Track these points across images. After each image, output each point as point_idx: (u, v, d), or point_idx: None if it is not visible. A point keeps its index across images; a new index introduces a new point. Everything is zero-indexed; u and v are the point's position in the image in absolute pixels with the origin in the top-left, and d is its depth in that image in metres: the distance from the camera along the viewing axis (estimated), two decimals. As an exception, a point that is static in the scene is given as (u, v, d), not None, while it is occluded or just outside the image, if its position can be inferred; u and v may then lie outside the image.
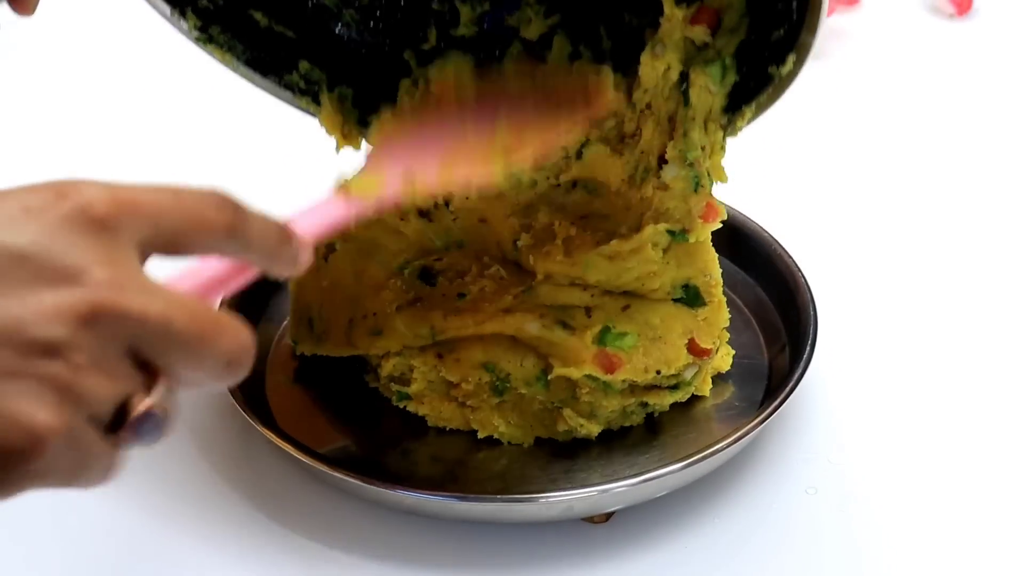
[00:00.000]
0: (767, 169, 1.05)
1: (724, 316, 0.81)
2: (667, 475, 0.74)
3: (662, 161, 0.79)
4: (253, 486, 0.80)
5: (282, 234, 0.57)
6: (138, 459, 0.80)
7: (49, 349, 0.48)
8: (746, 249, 0.89)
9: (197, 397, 0.85)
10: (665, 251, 0.79)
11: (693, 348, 0.79)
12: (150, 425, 0.51)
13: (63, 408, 0.49)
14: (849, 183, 1.04)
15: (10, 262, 0.48)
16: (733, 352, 0.84)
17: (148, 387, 0.52)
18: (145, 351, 0.51)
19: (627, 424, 0.81)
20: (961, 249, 0.97)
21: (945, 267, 0.96)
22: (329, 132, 0.83)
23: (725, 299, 0.81)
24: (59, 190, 0.50)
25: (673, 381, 0.79)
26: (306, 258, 0.58)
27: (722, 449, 0.75)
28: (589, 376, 0.78)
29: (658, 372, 0.78)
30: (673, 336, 0.79)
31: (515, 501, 0.74)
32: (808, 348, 0.80)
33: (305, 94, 0.83)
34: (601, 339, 0.79)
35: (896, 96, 1.14)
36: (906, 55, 1.19)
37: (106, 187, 0.50)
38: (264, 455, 0.81)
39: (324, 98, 0.83)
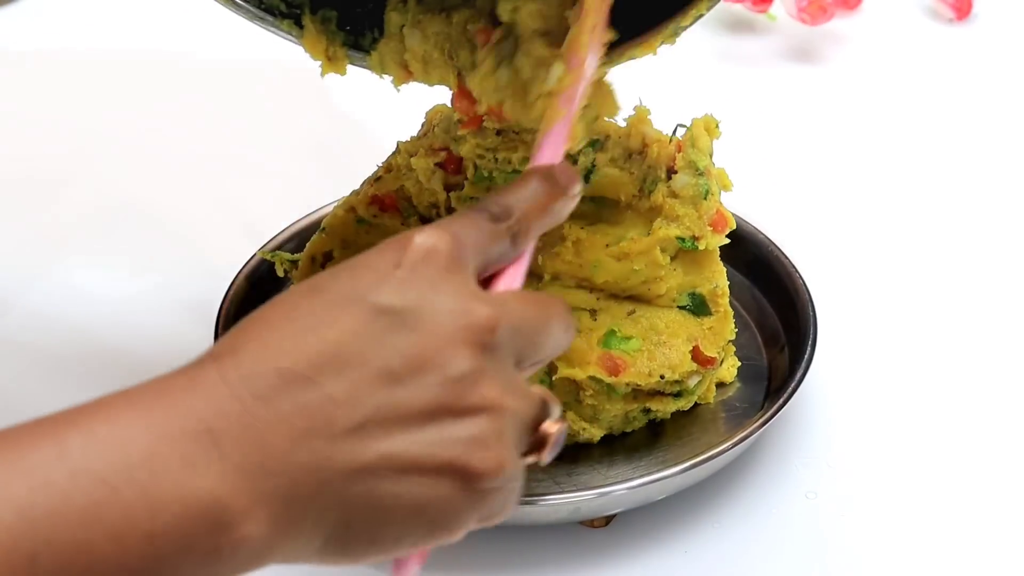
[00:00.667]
0: (766, 172, 1.05)
1: (730, 327, 0.81)
2: (670, 477, 0.74)
3: (671, 172, 0.79)
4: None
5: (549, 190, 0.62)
6: None
7: (470, 379, 0.53)
8: (744, 251, 0.89)
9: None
10: (673, 258, 0.80)
11: (697, 356, 0.79)
12: (558, 442, 0.57)
13: (503, 434, 0.54)
14: (848, 186, 1.04)
15: (399, 317, 0.53)
16: (739, 364, 0.84)
17: (544, 403, 0.57)
18: (523, 355, 0.56)
19: (629, 430, 0.81)
20: (960, 253, 0.97)
21: (944, 271, 0.96)
22: (313, 56, 0.80)
23: (732, 311, 0.81)
24: (400, 244, 0.55)
25: (676, 388, 0.79)
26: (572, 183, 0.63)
27: (725, 451, 0.75)
28: (593, 378, 0.78)
29: (662, 377, 0.78)
30: (677, 342, 0.79)
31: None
32: (808, 350, 0.80)
33: (286, 17, 0.81)
34: (606, 342, 0.79)
35: (895, 101, 1.14)
36: (905, 60, 1.19)
37: (439, 231, 0.56)
38: None
39: (307, 20, 0.81)
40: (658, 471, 0.75)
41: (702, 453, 0.76)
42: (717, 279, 0.81)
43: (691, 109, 1.13)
